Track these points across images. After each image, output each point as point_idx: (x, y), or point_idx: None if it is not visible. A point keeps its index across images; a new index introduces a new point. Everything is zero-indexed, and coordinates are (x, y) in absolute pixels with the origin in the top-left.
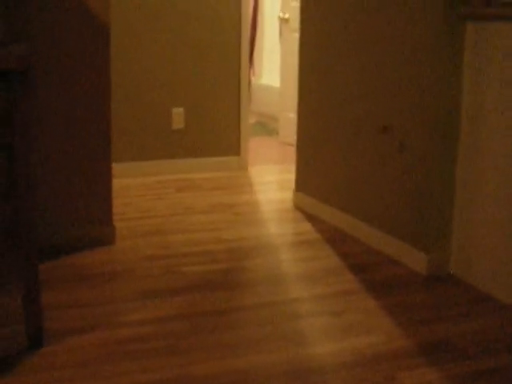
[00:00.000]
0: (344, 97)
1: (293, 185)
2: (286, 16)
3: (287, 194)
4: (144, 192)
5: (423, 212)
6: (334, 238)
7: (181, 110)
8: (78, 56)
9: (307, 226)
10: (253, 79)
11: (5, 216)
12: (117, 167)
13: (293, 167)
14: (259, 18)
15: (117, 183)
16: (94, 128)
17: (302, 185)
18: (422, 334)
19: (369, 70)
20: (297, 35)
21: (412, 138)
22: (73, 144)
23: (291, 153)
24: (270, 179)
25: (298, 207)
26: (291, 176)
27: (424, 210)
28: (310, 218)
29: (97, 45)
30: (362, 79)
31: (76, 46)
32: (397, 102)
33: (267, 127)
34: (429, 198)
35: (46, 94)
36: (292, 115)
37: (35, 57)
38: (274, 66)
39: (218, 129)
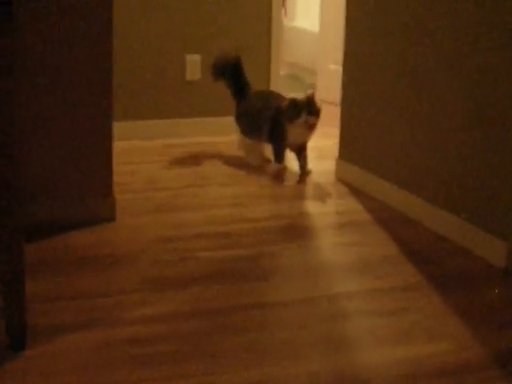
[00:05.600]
0: (405, 44)
1: (334, 153)
2: None
3: (327, 164)
4: (151, 158)
5: (502, 192)
6: (389, 220)
7: (197, 57)
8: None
9: (354, 204)
10: (284, 21)
11: None
12: (118, 127)
13: (334, 131)
14: None
15: (118, 146)
16: (92, 80)
17: (347, 152)
18: (500, 340)
19: (438, 8)
20: None
21: (493, 110)
22: (65, 98)
23: (332, 113)
24: None
25: (341, 179)
26: (332, 142)
27: (503, 189)
28: (357, 193)
29: None
30: (431, 21)
31: None
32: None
33: (301, 81)
34: (509, 177)
35: (36, 42)
36: (333, 67)
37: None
38: (311, 5)
39: None
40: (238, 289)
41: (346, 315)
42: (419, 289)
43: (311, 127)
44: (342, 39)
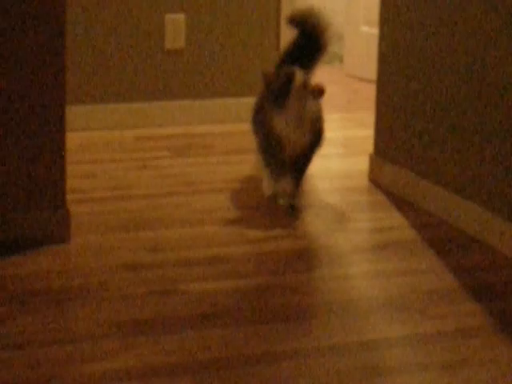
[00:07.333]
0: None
1: (368, 147)
2: None
3: (359, 162)
4: (118, 155)
5: None
6: (444, 240)
7: (180, 16)
8: None
9: (395, 217)
10: None
11: None
12: (75, 113)
13: (368, 117)
14: None
15: (73, 139)
16: (37, 48)
17: (385, 147)
18: None
19: None
20: None
21: None
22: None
23: (365, 93)
24: (330, 136)
25: (377, 183)
26: (365, 132)
27: None
28: (400, 202)
29: None
30: None
31: None
32: None
33: None
34: None
35: None
36: (366, 29)
37: None
38: None
39: (242, 50)
40: (239, 334)
41: (386, 369)
42: (483, 334)
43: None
44: None
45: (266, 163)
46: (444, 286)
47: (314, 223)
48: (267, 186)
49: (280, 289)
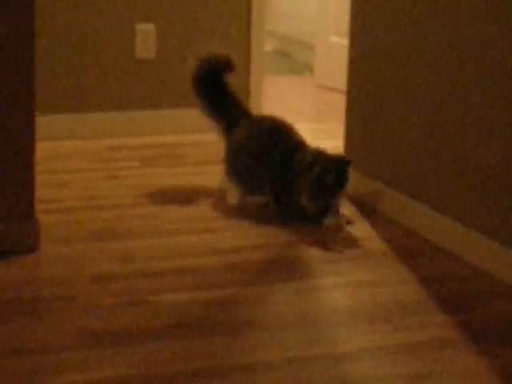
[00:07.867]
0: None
1: None
2: None
3: None
4: (89, 165)
5: None
6: (413, 251)
7: (150, 26)
8: None
9: (365, 229)
10: None
11: None
12: (46, 122)
13: (338, 127)
14: None
15: (44, 149)
16: (6, 62)
17: (355, 158)
18: None
19: None
20: None
21: None
22: None
23: (335, 103)
24: None
25: (347, 195)
26: (336, 143)
27: None
28: (370, 213)
29: None
30: None
31: None
32: None
33: (294, 60)
34: None
35: None
36: (336, 40)
37: None
38: None
39: None
40: (207, 346)
41: (355, 381)
42: (452, 346)
43: None
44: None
45: (232, 174)
46: (413, 298)
47: (283, 235)
48: (232, 197)
49: (250, 300)
